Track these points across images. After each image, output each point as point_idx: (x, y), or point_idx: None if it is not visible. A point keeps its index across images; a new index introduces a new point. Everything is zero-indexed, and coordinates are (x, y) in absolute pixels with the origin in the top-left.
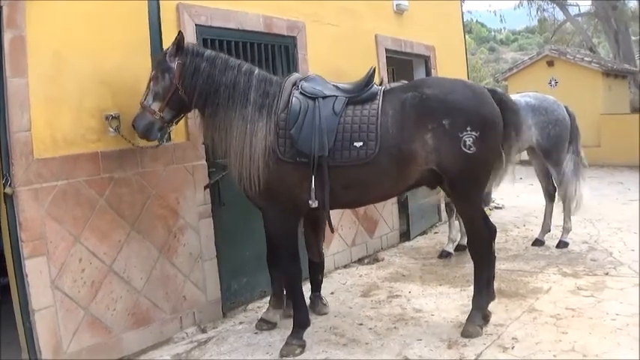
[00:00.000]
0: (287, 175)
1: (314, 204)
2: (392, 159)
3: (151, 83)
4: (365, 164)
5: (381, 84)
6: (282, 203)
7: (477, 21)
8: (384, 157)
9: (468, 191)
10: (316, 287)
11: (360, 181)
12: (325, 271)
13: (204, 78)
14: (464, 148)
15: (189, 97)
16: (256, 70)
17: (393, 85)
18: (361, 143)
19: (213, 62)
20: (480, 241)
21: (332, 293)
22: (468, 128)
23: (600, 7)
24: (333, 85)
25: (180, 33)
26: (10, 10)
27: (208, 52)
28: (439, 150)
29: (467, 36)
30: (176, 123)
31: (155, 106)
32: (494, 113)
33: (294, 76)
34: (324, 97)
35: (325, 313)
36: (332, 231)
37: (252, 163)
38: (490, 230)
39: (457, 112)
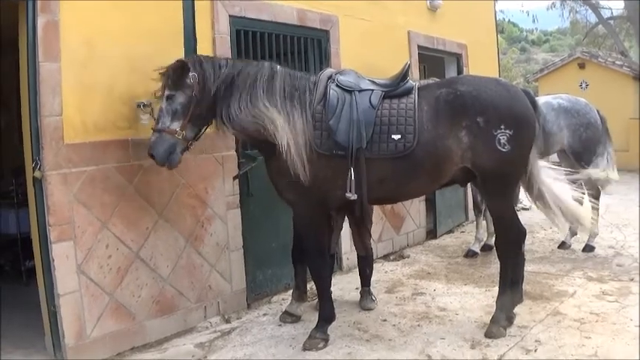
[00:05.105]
0: (320, 169)
1: (353, 197)
2: (428, 154)
3: (164, 104)
4: (402, 157)
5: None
6: (312, 198)
7: (509, 21)
8: (420, 152)
9: (500, 189)
10: (365, 281)
11: (395, 174)
12: (350, 266)
13: (227, 85)
14: (498, 147)
15: (213, 108)
16: (278, 68)
17: (425, 81)
18: (399, 136)
19: (232, 68)
20: (509, 241)
21: (357, 289)
22: (502, 126)
23: (633, 11)
24: (369, 80)
25: (180, 61)
26: None
27: (223, 60)
28: (474, 148)
29: (499, 35)
30: (197, 140)
31: (175, 125)
32: (528, 112)
33: (329, 70)
34: (361, 91)
35: (370, 309)
36: (370, 224)
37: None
38: (520, 231)
39: (491, 109)
